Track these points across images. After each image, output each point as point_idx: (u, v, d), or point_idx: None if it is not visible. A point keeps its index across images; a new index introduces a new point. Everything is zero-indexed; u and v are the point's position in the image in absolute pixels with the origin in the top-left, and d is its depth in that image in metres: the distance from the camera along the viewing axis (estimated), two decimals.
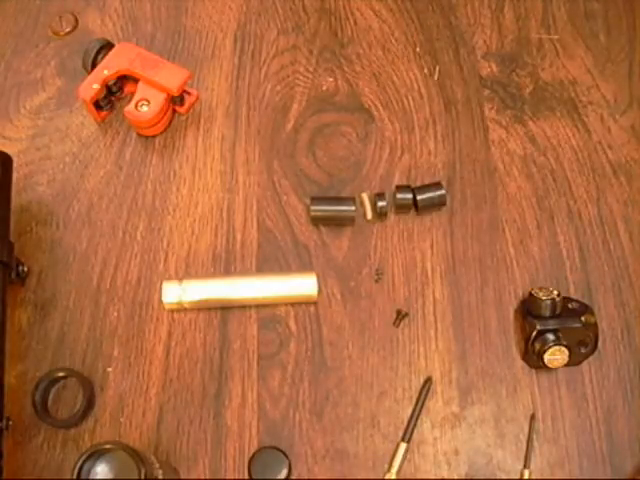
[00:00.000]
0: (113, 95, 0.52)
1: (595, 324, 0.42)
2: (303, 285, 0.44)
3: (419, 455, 0.41)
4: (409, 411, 0.42)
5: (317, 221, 0.47)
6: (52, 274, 0.46)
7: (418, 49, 0.54)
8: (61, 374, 0.42)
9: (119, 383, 0.43)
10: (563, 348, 0.40)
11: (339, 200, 0.47)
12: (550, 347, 0.40)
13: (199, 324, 0.45)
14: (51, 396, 0.43)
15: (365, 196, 0.48)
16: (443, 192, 0.47)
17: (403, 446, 0.41)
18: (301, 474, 0.41)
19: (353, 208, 0.45)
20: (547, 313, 0.41)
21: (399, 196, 0.47)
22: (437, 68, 0.53)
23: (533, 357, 0.42)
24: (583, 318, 0.41)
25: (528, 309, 0.43)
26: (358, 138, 0.51)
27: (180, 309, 0.44)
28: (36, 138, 0.51)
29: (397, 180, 0.49)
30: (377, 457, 0.41)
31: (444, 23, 0.55)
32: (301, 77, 0.53)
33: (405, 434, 0.41)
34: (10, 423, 0.39)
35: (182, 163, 0.50)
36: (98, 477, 0.33)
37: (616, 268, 0.46)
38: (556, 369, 0.42)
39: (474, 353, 0.44)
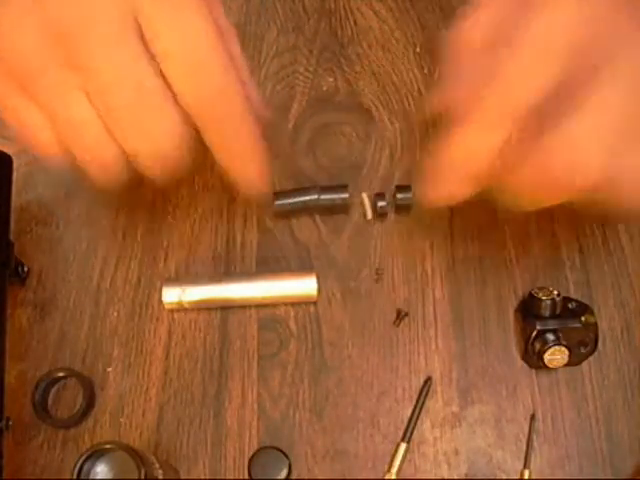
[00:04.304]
0: None
1: (595, 324, 0.42)
2: (303, 285, 0.44)
3: (419, 455, 0.41)
4: (409, 411, 0.42)
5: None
6: (52, 274, 0.46)
7: (418, 49, 0.54)
8: (61, 374, 0.42)
9: (119, 383, 0.43)
10: (563, 348, 0.40)
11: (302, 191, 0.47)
12: (550, 347, 0.40)
13: (199, 324, 0.45)
14: (51, 396, 0.43)
15: (365, 196, 0.48)
16: None
17: (403, 446, 0.41)
18: (301, 474, 0.41)
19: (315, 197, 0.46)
20: (547, 313, 0.41)
21: (399, 196, 0.47)
22: (437, 68, 0.53)
23: (533, 357, 0.42)
24: (583, 318, 0.41)
25: (528, 309, 0.43)
26: (358, 138, 0.51)
27: (180, 309, 0.44)
28: None
29: (397, 180, 0.49)
30: (377, 457, 0.41)
31: (444, 23, 0.55)
32: (301, 77, 0.53)
33: (405, 434, 0.41)
34: (10, 423, 0.39)
35: None
36: (98, 477, 0.33)
37: (616, 268, 0.46)
38: (556, 369, 0.42)
39: (474, 353, 0.44)
